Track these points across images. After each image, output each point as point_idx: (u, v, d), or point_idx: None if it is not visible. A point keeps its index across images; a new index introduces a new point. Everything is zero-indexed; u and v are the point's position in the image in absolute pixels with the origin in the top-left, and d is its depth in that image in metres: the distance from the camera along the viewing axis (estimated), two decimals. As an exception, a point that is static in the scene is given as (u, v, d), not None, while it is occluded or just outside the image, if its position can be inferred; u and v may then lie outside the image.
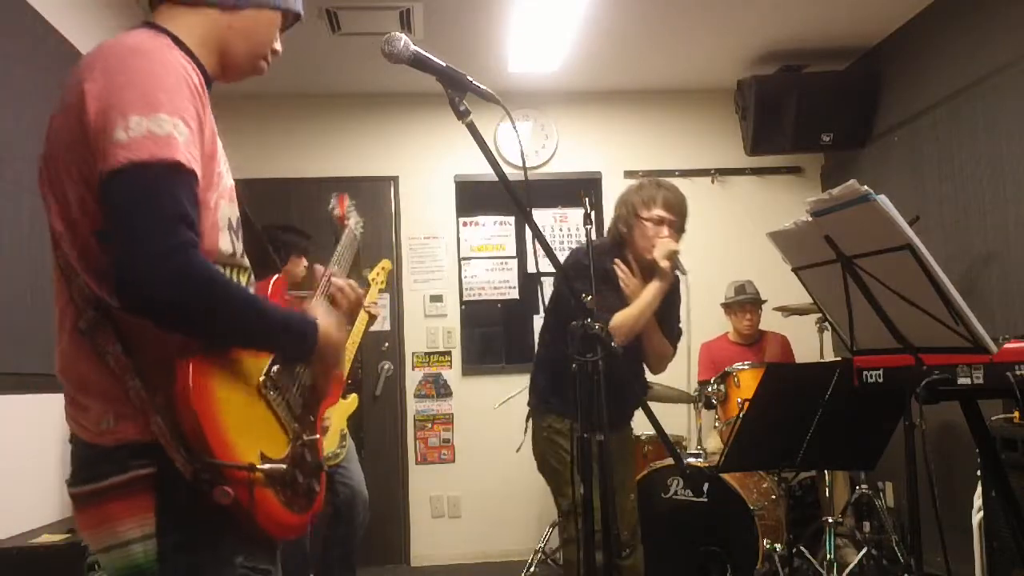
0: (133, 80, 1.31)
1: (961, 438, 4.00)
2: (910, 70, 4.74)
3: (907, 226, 1.76)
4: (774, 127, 5.11)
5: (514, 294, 5.64)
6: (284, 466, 1.40)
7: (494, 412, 5.11)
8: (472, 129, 1.78)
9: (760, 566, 3.72)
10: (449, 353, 5.53)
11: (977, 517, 3.30)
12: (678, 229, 2.97)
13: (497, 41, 4.81)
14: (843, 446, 3.14)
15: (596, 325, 2.00)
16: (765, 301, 4.87)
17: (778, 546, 3.72)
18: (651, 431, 2.51)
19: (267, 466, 1.35)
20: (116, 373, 1.33)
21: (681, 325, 3.19)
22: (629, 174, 5.50)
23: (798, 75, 5.18)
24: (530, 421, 3.10)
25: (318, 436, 1.55)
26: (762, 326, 4.95)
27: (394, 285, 5.47)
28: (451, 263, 5.59)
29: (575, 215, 5.66)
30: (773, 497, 3.88)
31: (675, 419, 4.80)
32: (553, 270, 2.04)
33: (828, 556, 3.83)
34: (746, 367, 4.28)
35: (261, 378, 1.43)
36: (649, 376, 3.28)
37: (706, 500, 3.82)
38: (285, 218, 4.45)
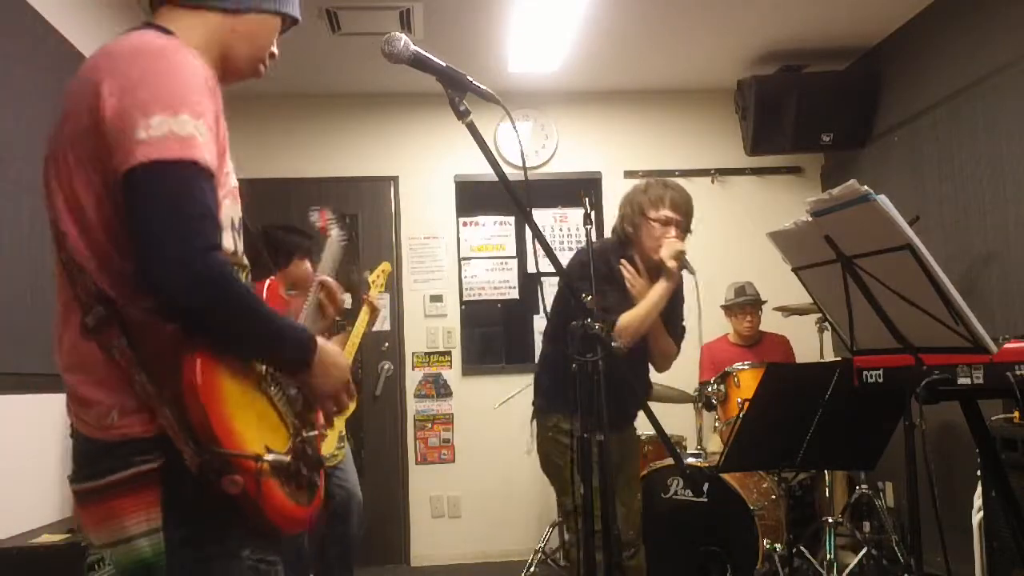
0: (153, 79, 1.31)
1: (961, 438, 4.00)
2: (910, 70, 4.74)
3: (907, 226, 1.76)
4: (774, 127, 5.11)
5: (514, 294, 5.64)
6: (288, 459, 1.40)
7: (494, 412, 5.11)
8: (472, 129, 1.79)
9: (760, 566, 3.71)
10: (449, 353, 5.53)
11: (977, 517, 3.30)
12: (684, 229, 2.98)
13: (497, 41, 4.81)
14: (843, 446, 3.14)
15: (596, 325, 2.00)
16: (765, 302, 4.87)
17: (778, 546, 3.72)
18: (651, 431, 2.50)
19: (272, 457, 1.36)
20: (122, 368, 1.33)
21: (685, 323, 3.19)
22: (629, 174, 5.51)
23: (798, 75, 5.18)
24: (535, 421, 3.11)
25: (316, 433, 1.55)
26: (762, 326, 4.95)
27: (394, 285, 5.48)
28: (451, 263, 5.59)
29: (575, 215, 5.66)
30: (773, 497, 3.88)
31: (675, 419, 4.79)
32: (553, 270, 2.03)
33: (828, 556, 3.83)
34: (746, 367, 4.27)
35: (261, 372, 1.44)
36: (651, 375, 3.28)
37: (706, 500, 3.82)
38: (285, 218, 4.44)
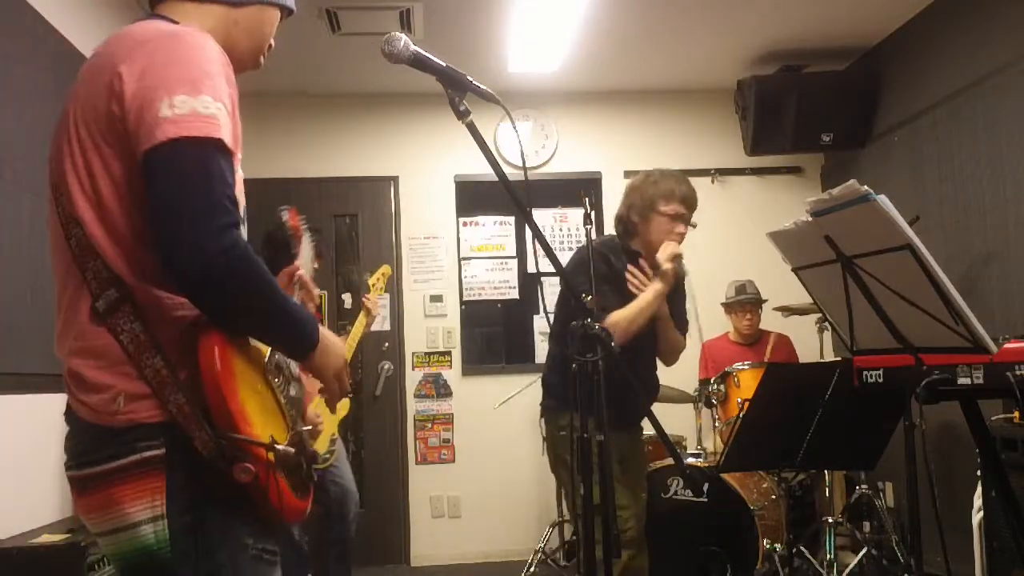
0: (175, 60, 1.33)
1: (961, 438, 4.00)
2: (910, 70, 4.74)
3: (907, 226, 1.76)
4: (774, 127, 5.11)
5: (514, 294, 5.64)
6: (292, 450, 1.41)
7: (494, 412, 5.11)
8: (472, 129, 1.79)
9: (760, 566, 3.72)
10: (449, 353, 5.53)
11: (977, 517, 3.30)
12: (687, 222, 3.00)
13: (497, 41, 4.81)
14: (843, 446, 3.14)
15: (596, 325, 2.00)
16: (765, 301, 4.87)
17: (778, 546, 3.72)
18: (651, 431, 2.50)
19: (280, 447, 1.36)
20: (131, 353, 1.33)
21: (687, 319, 3.20)
22: (629, 174, 5.48)
23: (798, 75, 5.18)
24: (543, 421, 3.10)
25: (309, 427, 1.56)
26: (762, 326, 4.95)
27: (394, 285, 5.48)
28: (451, 263, 5.59)
29: (575, 215, 5.66)
30: (773, 497, 3.88)
31: (675, 419, 4.79)
32: (553, 270, 2.03)
33: (828, 556, 3.83)
34: (746, 367, 4.27)
35: (265, 362, 1.45)
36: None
37: (706, 500, 3.82)
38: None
